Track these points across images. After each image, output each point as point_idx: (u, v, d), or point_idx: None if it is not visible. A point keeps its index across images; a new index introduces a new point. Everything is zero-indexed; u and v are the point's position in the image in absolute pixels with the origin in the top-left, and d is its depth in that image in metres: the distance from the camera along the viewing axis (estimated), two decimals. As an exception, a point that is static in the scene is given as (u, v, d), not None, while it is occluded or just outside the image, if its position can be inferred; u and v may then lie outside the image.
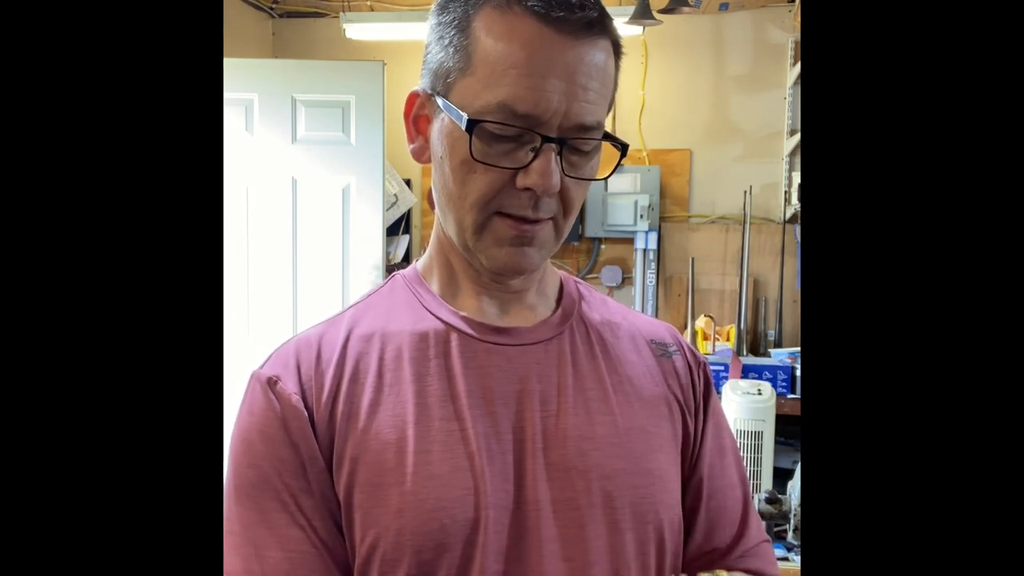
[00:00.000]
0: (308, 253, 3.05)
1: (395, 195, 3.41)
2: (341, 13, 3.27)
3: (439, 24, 0.75)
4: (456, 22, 0.73)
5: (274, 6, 3.80)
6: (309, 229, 3.04)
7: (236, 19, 3.50)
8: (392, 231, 3.46)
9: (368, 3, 3.65)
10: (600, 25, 0.71)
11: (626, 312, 0.89)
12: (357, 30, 3.18)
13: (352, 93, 2.99)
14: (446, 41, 0.73)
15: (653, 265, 3.60)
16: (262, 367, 0.78)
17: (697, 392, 0.86)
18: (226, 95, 2.51)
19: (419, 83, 0.78)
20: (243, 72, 2.93)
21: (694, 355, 0.88)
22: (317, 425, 0.74)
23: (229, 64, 2.74)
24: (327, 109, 3.01)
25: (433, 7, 0.77)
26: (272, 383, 0.76)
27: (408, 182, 3.50)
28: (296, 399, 0.74)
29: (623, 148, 0.76)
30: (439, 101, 0.74)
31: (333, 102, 3.00)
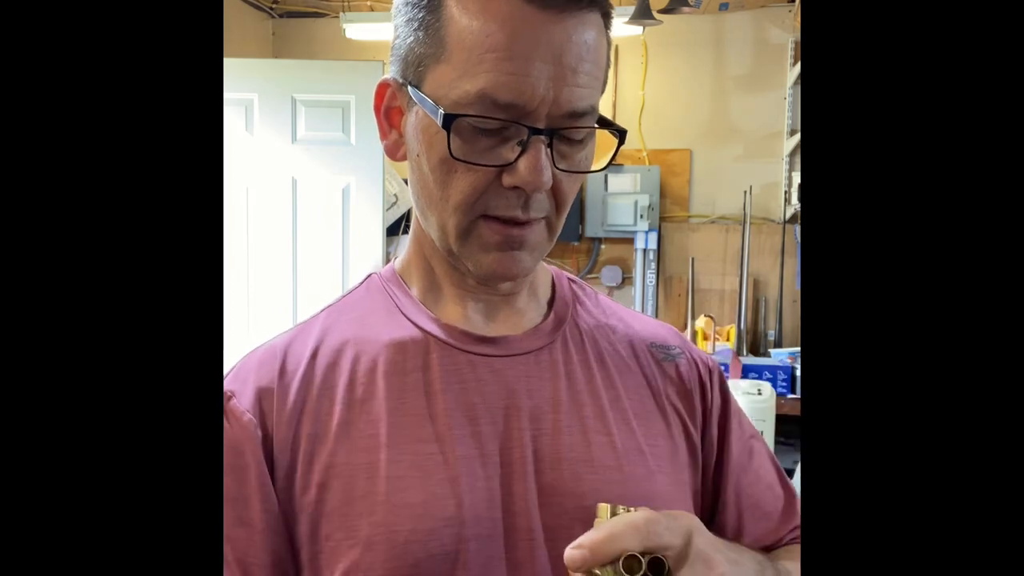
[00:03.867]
0: (308, 253, 3.05)
1: (395, 195, 3.40)
2: (341, 13, 3.27)
3: (406, 3, 0.67)
4: (425, 1, 0.65)
5: (274, 6, 3.80)
6: (309, 229, 3.04)
7: (236, 19, 3.50)
8: (392, 231, 3.46)
9: (368, 3, 3.65)
10: None
11: (624, 314, 0.81)
12: (357, 30, 3.18)
13: (352, 93, 2.99)
14: (415, 23, 0.65)
15: (653, 265, 3.60)
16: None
17: (708, 398, 0.78)
18: (226, 95, 2.51)
19: (388, 71, 0.70)
20: (243, 72, 2.93)
21: (703, 360, 0.81)
22: (276, 447, 0.67)
23: (229, 64, 2.74)
24: (327, 109, 3.00)
25: None
26: (226, 399, 0.68)
27: (407, 182, 3.50)
28: (248, 418, 0.67)
29: (621, 135, 0.68)
30: (411, 92, 0.66)
31: (333, 102, 3.00)
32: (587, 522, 0.65)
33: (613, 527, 0.55)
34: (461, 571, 0.64)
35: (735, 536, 0.78)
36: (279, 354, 0.71)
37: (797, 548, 0.79)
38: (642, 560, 0.55)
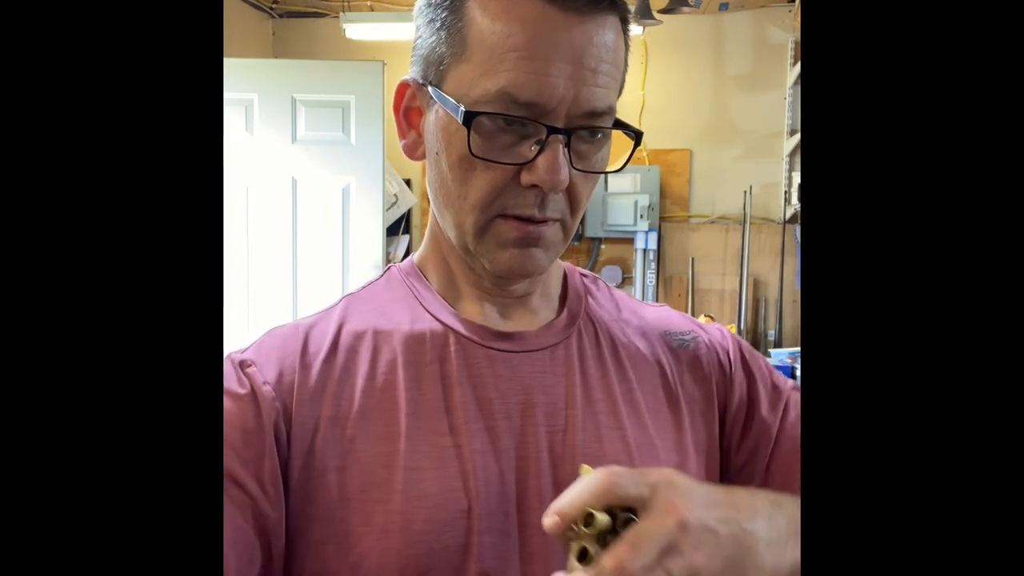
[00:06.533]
0: (308, 253, 3.05)
1: (395, 195, 3.41)
2: (341, 13, 3.27)
3: (429, 5, 0.68)
4: (447, 2, 0.66)
5: (274, 6, 3.80)
6: (309, 229, 3.04)
7: (236, 19, 3.50)
8: (392, 231, 3.47)
9: (368, 3, 3.65)
10: (608, 0, 0.64)
11: (635, 305, 0.82)
12: (357, 30, 3.18)
13: (352, 93, 3.00)
14: (437, 23, 0.66)
15: (653, 265, 3.60)
16: (241, 351, 0.72)
17: (729, 373, 0.79)
18: (226, 95, 2.51)
19: (409, 72, 0.71)
20: (243, 72, 2.93)
21: (720, 343, 0.81)
22: (295, 424, 0.68)
23: (229, 64, 2.74)
24: (327, 109, 3.01)
25: None
26: (244, 365, 0.69)
27: (408, 182, 3.51)
28: (267, 389, 0.67)
29: (637, 136, 0.69)
30: (432, 91, 0.67)
31: (333, 102, 3.00)
32: None
33: (575, 488, 0.55)
34: (473, 563, 0.65)
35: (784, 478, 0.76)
36: (302, 335, 0.72)
37: None
38: (595, 514, 0.54)
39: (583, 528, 0.54)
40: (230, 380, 0.68)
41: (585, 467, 0.59)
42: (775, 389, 0.80)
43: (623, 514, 0.55)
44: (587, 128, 0.65)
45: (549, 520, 0.55)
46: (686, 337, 0.80)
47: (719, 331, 0.83)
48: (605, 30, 0.64)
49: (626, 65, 0.69)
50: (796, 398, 0.81)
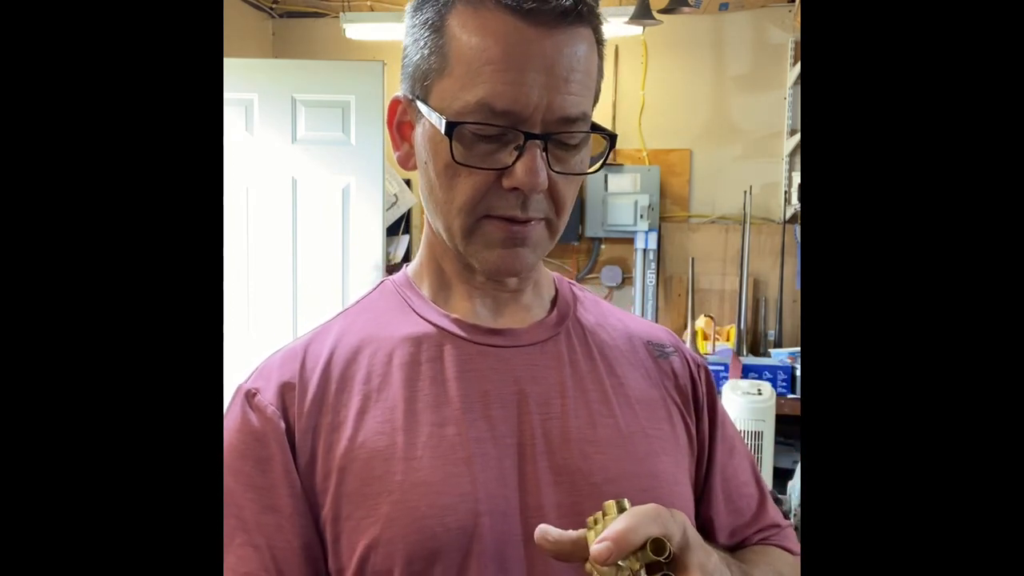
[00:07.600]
0: (308, 253, 3.05)
1: (395, 195, 3.41)
2: (341, 13, 3.27)
3: (413, 26, 0.73)
4: (430, 23, 0.71)
5: (274, 6, 3.80)
6: (309, 229, 3.04)
7: (236, 19, 3.50)
8: (392, 231, 3.46)
9: (368, 3, 3.65)
10: (575, 13, 0.69)
11: (621, 314, 0.87)
12: (357, 30, 3.18)
13: (352, 93, 2.99)
14: (421, 43, 0.72)
15: (653, 265, 3.60)
16: (246, 380, 0.77)
17: (699, 394, 0.84)
18: (226, 95, 2.51)
19: (399, 88, 0.77)
20: (243, 72, 2.93)
21: (693, 358, 0.86)
22: (297, 437, 0.72)
23: (229, 64, 2.74)
24: (327, 109, 3.01)
25: (407, 8, 0.75)
26: (250, 396, 0.74)
27: (408, 182, 3.51)
28: (272, 411, 0.72)
29: (611, 139, 0.74)
30: (419, 106, 0.73)
31: (333, 102, 3.00)
32: (594, 499, 0.69)
33: (633, 517, 0.58)
34: (477, 545, 0.69)
35: (713, 529, 0.83)
36: (299, 353, 0.76)
37: (762, 550, 0.84)
38: (666, 541, 0.57)
39: (650, 554, 0.57)
40: (240, 412, 0.74)
41: (609, 503, 0.61)
42: (724, 423, 0.86)
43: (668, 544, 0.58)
44: (562, 133, 0.70)
45: (603, 546, 0.57)
46: (666, 349, 0.85)
47: (691, 351, 0.88)
48: (576, 41, 0.70)
49: (600, 74, 0.74)
50: (740, 447, 0.88)
